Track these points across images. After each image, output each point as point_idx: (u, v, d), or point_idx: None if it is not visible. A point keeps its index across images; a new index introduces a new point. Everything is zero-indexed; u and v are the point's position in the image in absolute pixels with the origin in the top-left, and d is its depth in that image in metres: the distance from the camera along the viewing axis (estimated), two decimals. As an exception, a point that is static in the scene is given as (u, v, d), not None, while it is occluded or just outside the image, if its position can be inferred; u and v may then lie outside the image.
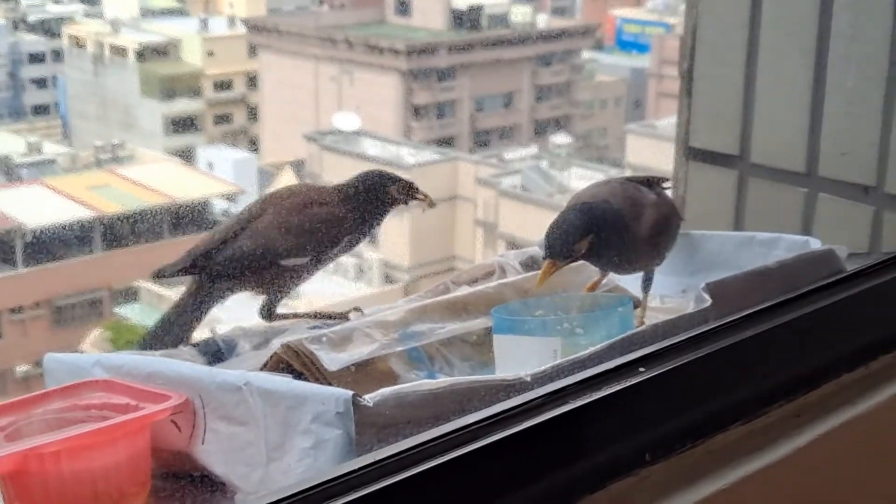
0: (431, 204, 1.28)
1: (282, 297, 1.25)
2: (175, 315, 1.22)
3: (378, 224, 1.28)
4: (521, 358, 1.10)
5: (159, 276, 1.23)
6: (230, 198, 13.67)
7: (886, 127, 1.45)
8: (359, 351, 1.11)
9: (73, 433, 0.93)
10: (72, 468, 0.91)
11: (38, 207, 12.12)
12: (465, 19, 20.01)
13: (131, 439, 0.95)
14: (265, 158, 17.51)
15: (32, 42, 18.84)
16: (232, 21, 19.56)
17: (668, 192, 1.32)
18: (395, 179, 1.27)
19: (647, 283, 1.26)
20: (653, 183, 1.28)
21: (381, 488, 0.81)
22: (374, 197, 1.26)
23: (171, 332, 1.21)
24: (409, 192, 1.27)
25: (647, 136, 15.38)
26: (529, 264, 1.39)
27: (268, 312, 1.24)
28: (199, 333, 1.22)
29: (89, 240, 11.81)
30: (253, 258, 1.21)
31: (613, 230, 1.19)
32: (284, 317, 1.25)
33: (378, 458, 0.84)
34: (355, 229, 1.26)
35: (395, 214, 1.30)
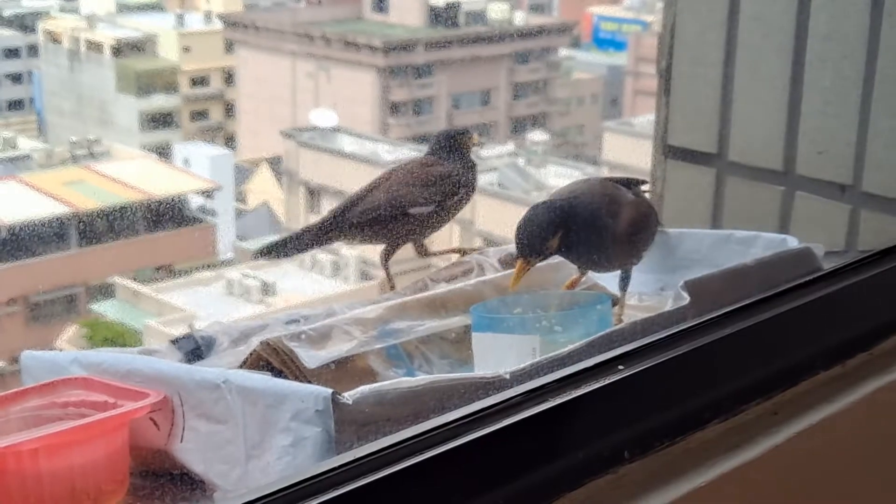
0: (481, 143, 1.50)
1: (403, 244, 1.45)
2: (304, 235, 1.42)
3: (474, 173, 1.47)
4: (500, 356, 1.10)
5: (309, 229, 1.42)
6: (207, 194, 13.62)
7: (863, 126, 1.46)
8: (338, 348, 1.11)
9: (50, 431, 0.93)
10: (50, 466, 0.91)
11: (13, 204, 12.05)
12: (442, 16, 19.98)
13: (109, 437, 0.95)
14: (242, 155, 17.45)
15: (7, 37, 18.72)
16: (208, 17, 19.48)
17: (647, 195, 1.32)
18: (461, 132, 1.47)
19: (625, 281, 1.26)
20: (631, 184, 1.29)
21: (361, 486, 0.81)
22: (455, 149, 1.45)
23: (292, 245, 1.43)
24: (471, 138, 1.47)
25: (623, 134, 15.38)
26: (508, 262, 1.39)
27: (386, 257, 1.45)
28: (178, 329, 1.23)
29: (65, 236, 11.75)
30: (385, 208, 1.41)
31: (591, 227, 1.19)
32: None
33: (357, 455, 0.83)
34: (465, 181, 1.44)
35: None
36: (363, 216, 1.41)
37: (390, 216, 1.41)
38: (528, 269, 1.18)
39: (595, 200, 1.21)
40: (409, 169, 1.45)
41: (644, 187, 1.32)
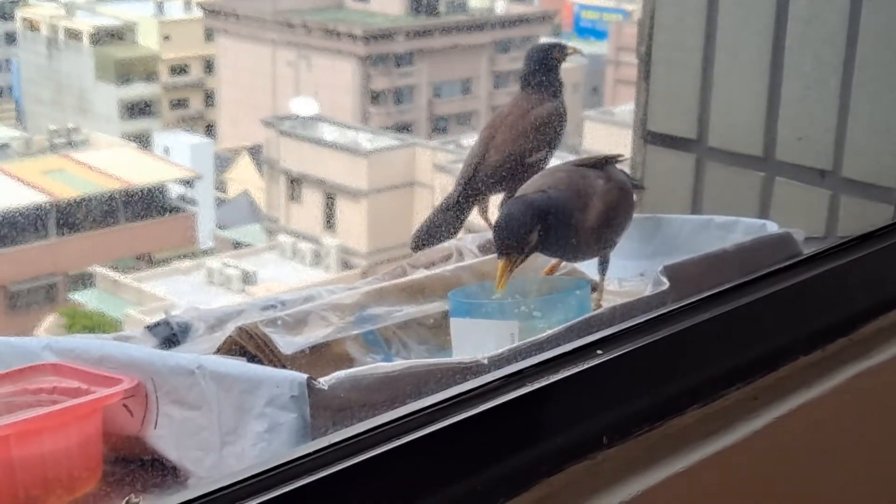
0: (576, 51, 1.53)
1: None
2: (441, 218, 1.44)
3: (563, 93, 1.48)
4: (478, 341, 1.09)
5: (444, 207, 1.44)
6: (187, 183, 13.59)
7: (843, 111, 1.46)
8: (314, 334, 1.10)
9: (22, 417, 0.92)
10: (21, 453, 0.89)
11: (-9, 192, 11.98)
12: (422, 5, 19.96)
13: (82, 424, 0.93)
14: (222, 143, 17.41)
15: (-15, 25, 18.62)
16: (188, 5, 19.40)
17: (623, 168, 1.30)
18: (553, 46, 1.48)
19: (603, 266, 1.25)
20: (604, 163, 1.27)
21: (336, 472, 0.80)
22: (547, 68, 1.46)
23: (441, 230, 1.43)
24: (563, 51, 1.48)
25: (604, 123, 15.39)
26: (487, 248, 1.38)
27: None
28: (153, 317, 1.22)
29: (44, 225, 11.69)
30: (504, 166, 1.44)
31: (560, 220, 1.17)
32: None
33: (333, 441, 0.83)
34: (563, 109, 1.47)
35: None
36: (489, 179, 1.45)
37: (512, 172, 1.44)
38: (513, 268, 1.15)
39: (563, 193, 1.19)
40: (511, 121, 1.47)
41: (621, 159, 1.31)
